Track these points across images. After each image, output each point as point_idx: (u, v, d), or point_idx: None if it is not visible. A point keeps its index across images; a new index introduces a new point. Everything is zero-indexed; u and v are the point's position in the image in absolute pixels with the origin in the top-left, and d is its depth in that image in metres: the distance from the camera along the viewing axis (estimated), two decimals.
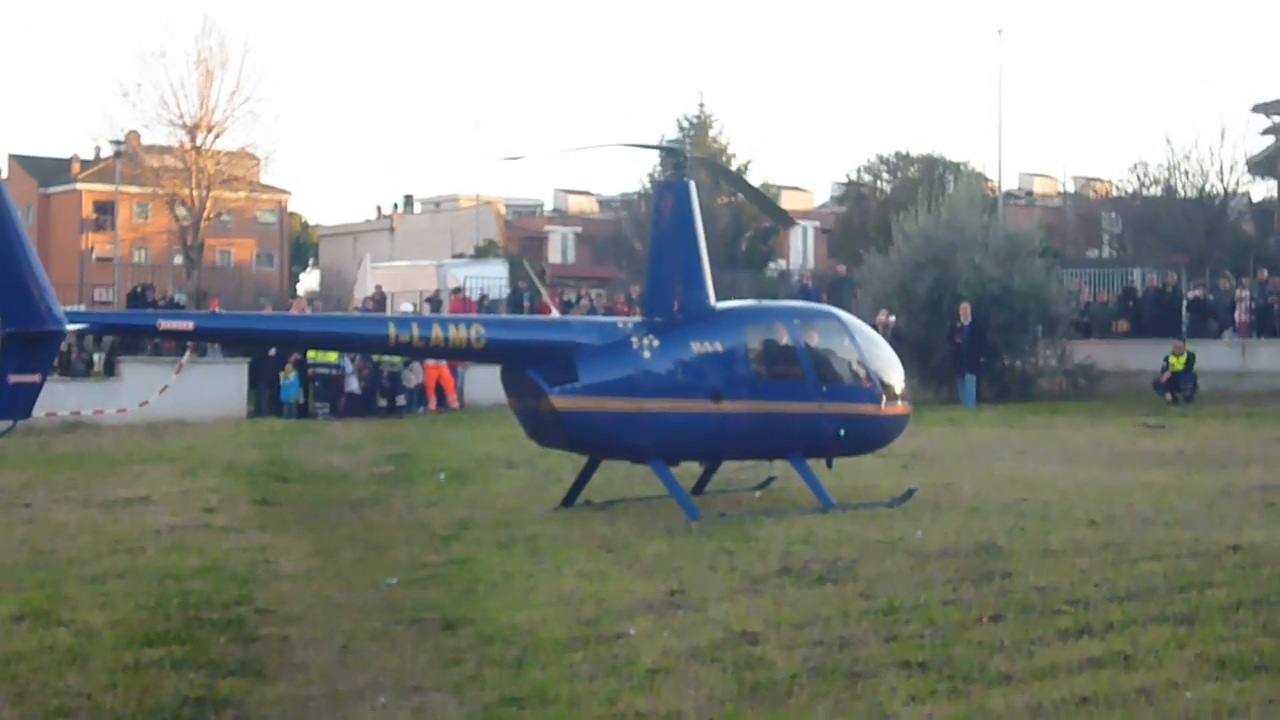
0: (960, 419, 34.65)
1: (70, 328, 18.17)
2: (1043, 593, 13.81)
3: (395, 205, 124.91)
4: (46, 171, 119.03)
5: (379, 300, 49.12)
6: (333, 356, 39.64)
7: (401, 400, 41.21)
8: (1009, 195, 77.41)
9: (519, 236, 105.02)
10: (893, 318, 40.58)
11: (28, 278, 17.13)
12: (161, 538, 18.87)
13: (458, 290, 50.64)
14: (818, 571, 15.32)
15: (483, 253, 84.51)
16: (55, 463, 27.88)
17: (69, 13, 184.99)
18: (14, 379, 17.28)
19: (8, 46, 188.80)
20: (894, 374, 21.39)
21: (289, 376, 40.63)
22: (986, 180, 70.44)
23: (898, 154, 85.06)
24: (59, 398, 32.08)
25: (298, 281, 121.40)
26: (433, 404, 41.74)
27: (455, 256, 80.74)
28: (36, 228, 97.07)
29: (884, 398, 20.95)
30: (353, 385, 41.52)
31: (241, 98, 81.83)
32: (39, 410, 17.98)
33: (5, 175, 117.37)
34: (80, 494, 23.25)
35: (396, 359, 38.81)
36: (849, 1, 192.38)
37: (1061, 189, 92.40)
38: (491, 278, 58.59)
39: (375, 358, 39.13)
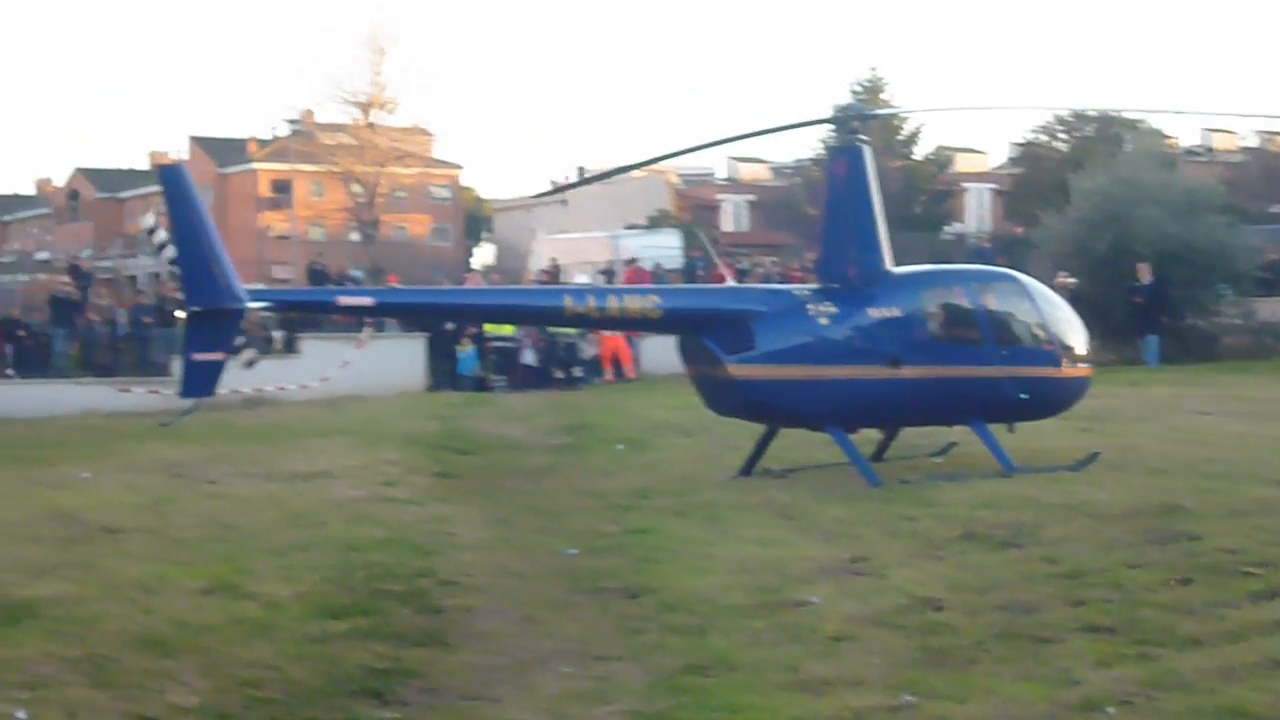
0: (1142, 379, 34.10)
1: (251, 305, 18.40)
2: (1231, 555, 13.58)
3: (567, 177, 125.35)
4: (224, 152, 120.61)
5: (553, 273, 49.25)
6: (509, 329, 39.88)
7: (578, 371, 41.37)
8: (1188, 151, 76.17)
9: (691, 205, 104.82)
10: (1071, 279, 39.98)
11: (210, 257, 17.39)
12: (343, 510, 19.05)
13: (632, 261, 50.62)
14: (1000, 536, 15.18)
15: (656, 223, 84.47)
16: (238, 438, 28.23)
17: None
18: (198, 357, 17.54)
19: (183, 31, 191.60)
20: (1074, 335, 21.10)
21: (466, 349, 40.97)
22: (1165, 136, 69.41)
23: (1074, 113, 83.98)
24: (240, 374, 32.45)
25: (472, 255, 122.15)
26: (609, 374, 41.79)
27: (628, 227, 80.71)
28: (215, 207, 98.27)
29: (1064, 360, 20.68)
30: (529, 358, 41.74)
31: (413, 74, 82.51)
32: (222, 387, 18.18)
33: (186, 157, 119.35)
34: (263, 468, 23.51)
35: (572, 330, 38.93)
36: None
37: (1243, 143, 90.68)
38: (665, 248, 58.47)
39: (550, 329, 39.28)
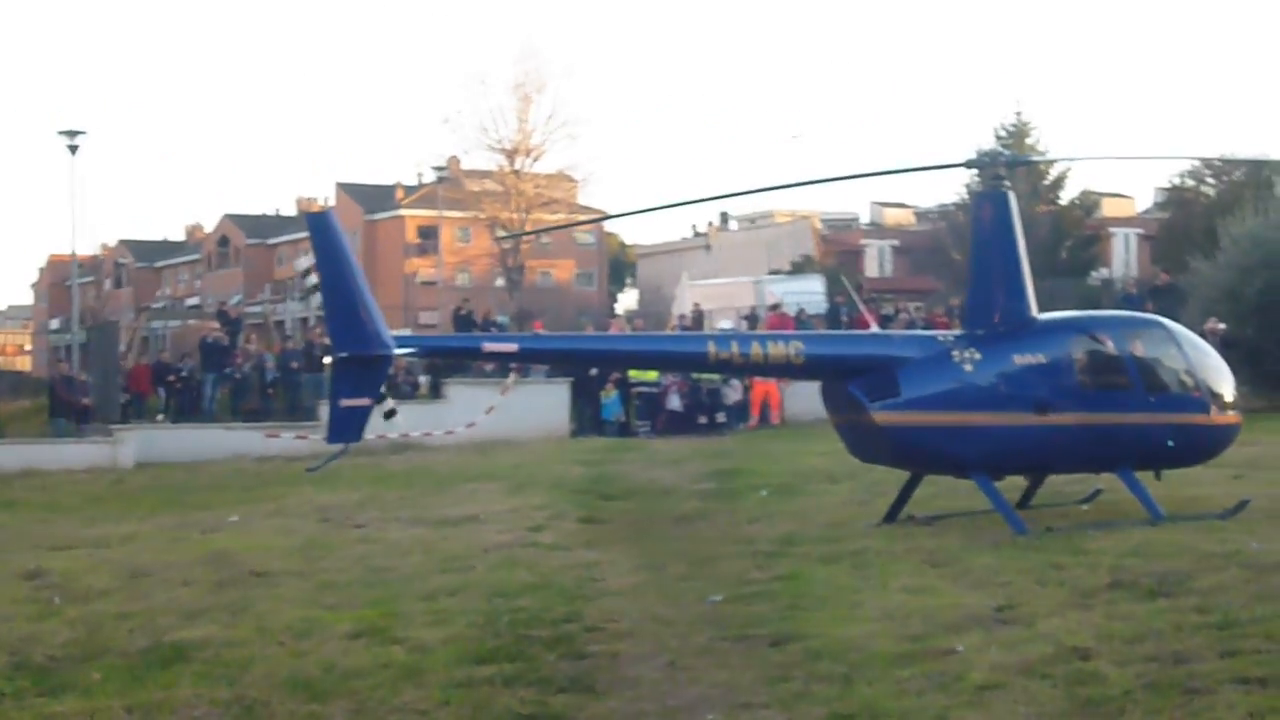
0: None
1: (399, 352, 18.58)
2: None
3: (711, 222, 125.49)
4: (371, 198, 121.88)
5: (696, 318, 49.33)
6: (653, 375, 39.98)
7: (722, 417, 41.38)
8: None
9: (835, 251, 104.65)
10: (1221, 325, 39.50)
11: (358, 304, 17.56)
12: (491, 555, 19.19)
13: (775, 306, 50.62)
14: (1150, 585, 15.02)
15: (799, 268, 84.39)
16: (386, 482, 28.53)
17: (388, 43, 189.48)
18: (345, 403, 17.72)
19: (333, 81, 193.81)
20: (1223, 382, 20.86)
21: (610, 395, 41.10)
22: None
23: (1222, 156, 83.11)
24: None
25: (616, 301, 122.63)
26: (754, 419, 41.80)
27: (772, 272, 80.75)
28: (363, 253, 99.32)
29: (1214, 407, 20.43)
30: (674, 403, 41.81)
31: (559, 121, 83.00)
32: (369, 432, 18.37)
33: (334, 203, 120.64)
34: (411, 513, 23.76)
35: (716, 375, 38.94)
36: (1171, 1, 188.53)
37: None
38: (809, 293, 58.46)
39: (695, 374, 39.32)
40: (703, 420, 41.48)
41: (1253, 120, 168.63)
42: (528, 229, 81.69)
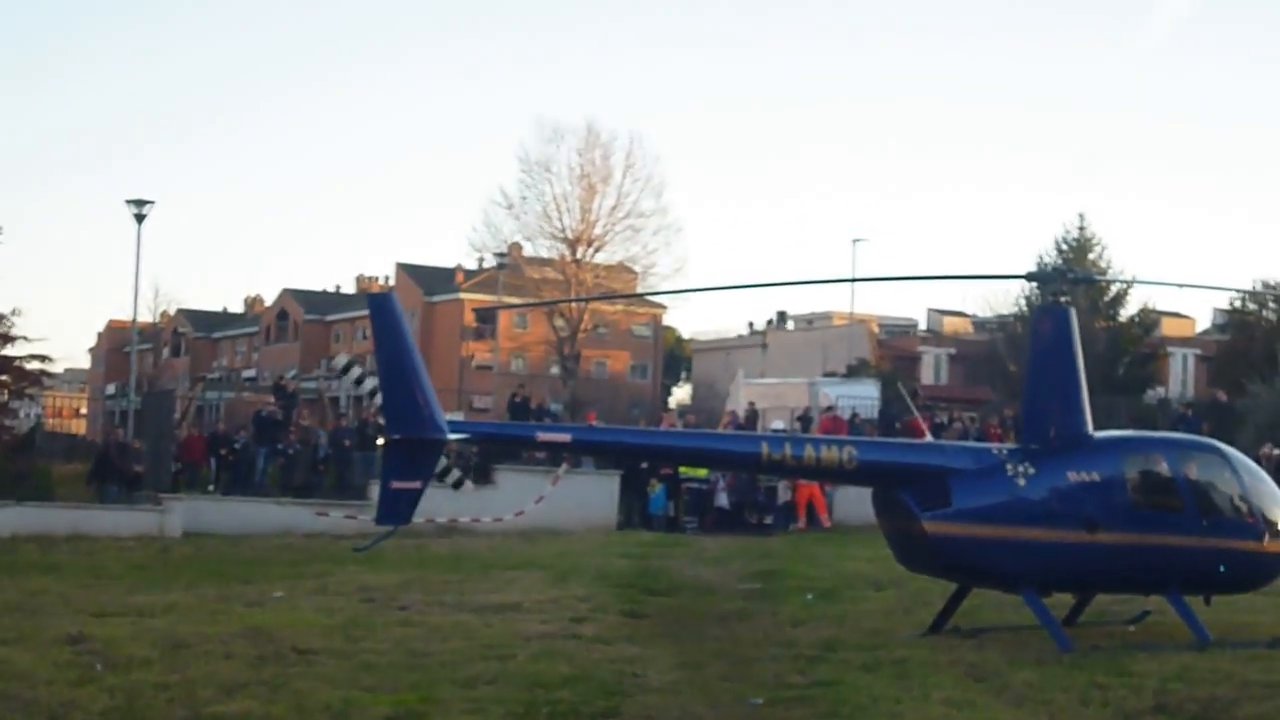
0: None
1: (452, 437, 18.62)
2: None
3: (768, 321, 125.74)
4: (432, 281, 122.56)
5: (750, 417, 49.31)
6: (703, 472, 39.96)
7: (769, 519, 41.28)
8: None
9: (891, 355, 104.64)
10: (1278, 450, 39.37)
11: (414, 386, 17.64)
12: (531, 645, 19.13)
13: (829, 409, 50.56)
14: (1194, 711, 14.93)
15: (855, 371, 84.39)
16: (432, 565, 28.54)
17: (456, 124, 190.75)
18: (396, 485, 17.76)
19: (397, 157, 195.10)
20: (1278, 509, 20.73)
21: (655, 489, 41.08)
22: None
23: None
24: (436, 504, 32.78)
25: (670, 394, 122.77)
26: (802, 522, 41.70)
27: (827, 374, 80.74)
28: (420, 334, 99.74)
29: (1267, 534, 20.29)
30: (722, 500, 41.78)
31: (622, 212, 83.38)
32: (417, 515, 18.40)
33: (393, 284, 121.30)
34: (454, 598, 23.73)
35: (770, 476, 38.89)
36: (1229, 120, 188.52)
37: None
38: (863, 397, 58.39)
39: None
40: (751, 519, 41.41)
41: None
42: (584, 318, 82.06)
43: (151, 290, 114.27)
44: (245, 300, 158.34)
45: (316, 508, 36.81)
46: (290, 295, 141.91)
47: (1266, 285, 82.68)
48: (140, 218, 53.96)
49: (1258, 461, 24.85)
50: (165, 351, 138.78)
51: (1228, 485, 20.36)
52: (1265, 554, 20.32)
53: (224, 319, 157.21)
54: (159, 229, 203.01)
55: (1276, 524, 20.46)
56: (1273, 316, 78.91)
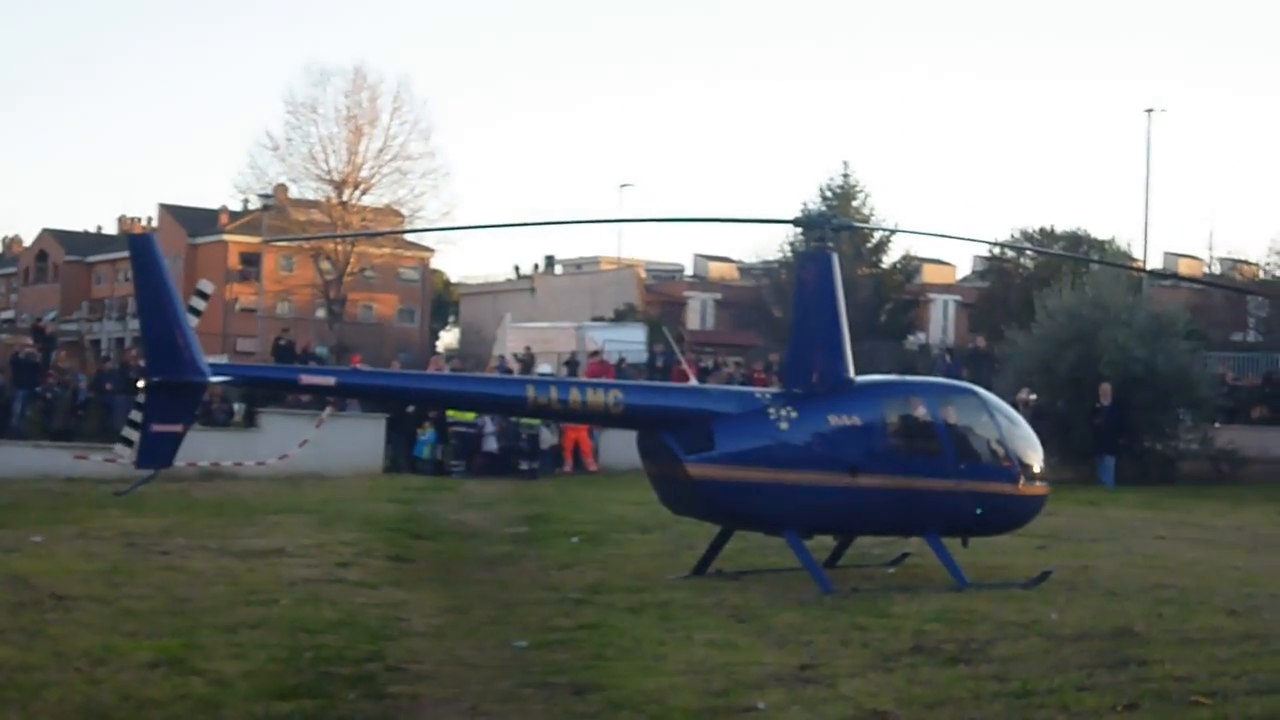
0: (1099, 500, 34.21)
1: (214, 380, 18.38)
2: (1180, 682, 13.54)
3: (536, 265, 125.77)
4: (195, 222, 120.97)
5: (527, 361, 49.23)
6: (470, 415, 39.90)
7: (535, 464, 41.34)
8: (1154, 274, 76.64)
9: (659, 301, 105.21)
10: (1034, 396, 40.15)
11: (174, 328, 17.38)
12: (296, 590, 18.99)
13: (596, 353, 50.74)
14: (951, 651, 15.17)
15: (622, 316, 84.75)
16: (194, 510, 28.18)
17: (224, 64, 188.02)
18: (157, 428, 17.52)
19: (160, 96, 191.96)
20: (1033, 453, 21.12)
21: (425, 433, 40.97)
22: (1132, 259, 69.80)
23: (1042, 230, 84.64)
24: (199, 447, 32.37)
25: (438, 338, 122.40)
26: (568, 465, 41.87)
27: (595, 319, 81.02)
28: (184, 277, 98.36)
29: (1022, 477, 20.65)
30: (491, 445, 41.75)
31: (389, 155, 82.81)
32: (179, 459, 18.15)
33: (156, 225, 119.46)
34: (217, 543, 23.46)
35: (536, 420, 38.91)
36: (997, 75, 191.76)
37: (1207, 270, 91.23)
38: (631, 342, 58.68)
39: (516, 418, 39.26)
40: (523, 465, 41.44)
41: (1072, 196, 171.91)
42: (351, 261, 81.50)
43: None
44: (3, 240, 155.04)
45: (76, 451, 36.18)
46: (50, 235, 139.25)
47: (1026, 235, 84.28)
48: None
49: (1015, 407, 25.30)
50: None
51: (985, 429, 20.69)
52: (1020, 496, 20.69)
53: None
54: None
55: (1031, 467, 20.86)
56: (1030, 265, 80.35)
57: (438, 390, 23.23)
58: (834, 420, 19.81)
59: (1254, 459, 42.10)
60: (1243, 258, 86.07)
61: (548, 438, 41.79)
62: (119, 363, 45.32)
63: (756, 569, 21.36)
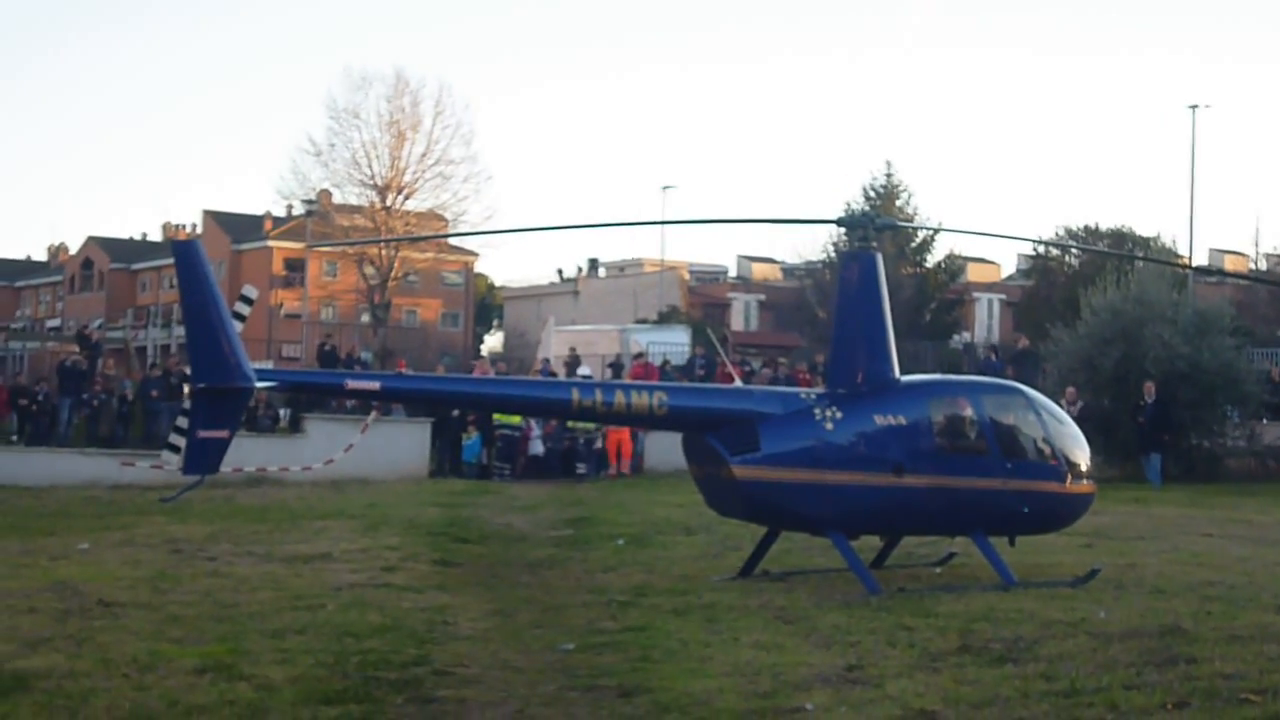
0: (1145, 498, 34.08)
1: (260, 385, 18.42)
2: (1229, 680, 13.47)
3: (579, 268, 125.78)
4: (240, 228, 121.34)
5: (572, 363, 49.22)
6: (516, 419, 39.94)
7: (582, 467, 41.36)
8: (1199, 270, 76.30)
9: (702, 303, 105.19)
10: (1079, 402, 39.86)
11: (220, 334, 17.42)
12: (341, 594, 19.02)
13: (640, 355, 50.73)
14: (998, 650, 15.11)
15: (666, 318, 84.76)
16: (239, 516, 28.28)
17: (265, 70, 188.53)
18: (203, 434, 17.56)
19: (206, 103, 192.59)
20: (1080, 451, 21.02)
21: (470, 437, 41.06)
22: (1177, 255, 69.51)
23: (1086, 227, 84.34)
24: (245, 453, 32.48)
25: (481, 342, 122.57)
26: (613, 468, 41.85)
27: (638, 321, 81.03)
28: (228, 283, 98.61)
29: (1069, 476, 20.57)
30: (536, 448, 41.85)
31: (432, 159, 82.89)
32: (225, 465, 18.18)
33: (200, 231, 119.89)
34: (263, 548, 23.53)
35: (590, 425, 38.93)
36: (1043, 73, 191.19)
37: (1253, 266, 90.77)
38: (674, 344, 58.66)
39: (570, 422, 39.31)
40: (576, 468, 41.50)
41: (1117, 194, 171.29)
42: (395, 266, 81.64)
43: None
44: (49, 249, 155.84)
45: (122, 458, 36.33)
46: (95, 243, 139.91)
47: (1070, 233, 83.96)
48: None
49: (1059, 403, 25.19)
50: None
51: (1030, 427, 20.60)
52: (1067, 495, 20.62)
53: (27, 268, 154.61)
54: None
55: (1078, 465, 20.77)
56: (1075, 263, 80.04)
57: (482, 394, 23.24)
58: (879, 420, 19.74)
59: None
60: None
61: (599, 440, 41.87)
62: (164, 369, 45.47)
63: (802, 570, 21.33)
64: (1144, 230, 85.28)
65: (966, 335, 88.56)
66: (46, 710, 12.69)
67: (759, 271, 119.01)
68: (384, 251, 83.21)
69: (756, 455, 19.20)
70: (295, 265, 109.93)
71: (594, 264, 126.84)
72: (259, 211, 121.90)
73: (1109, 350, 41.83)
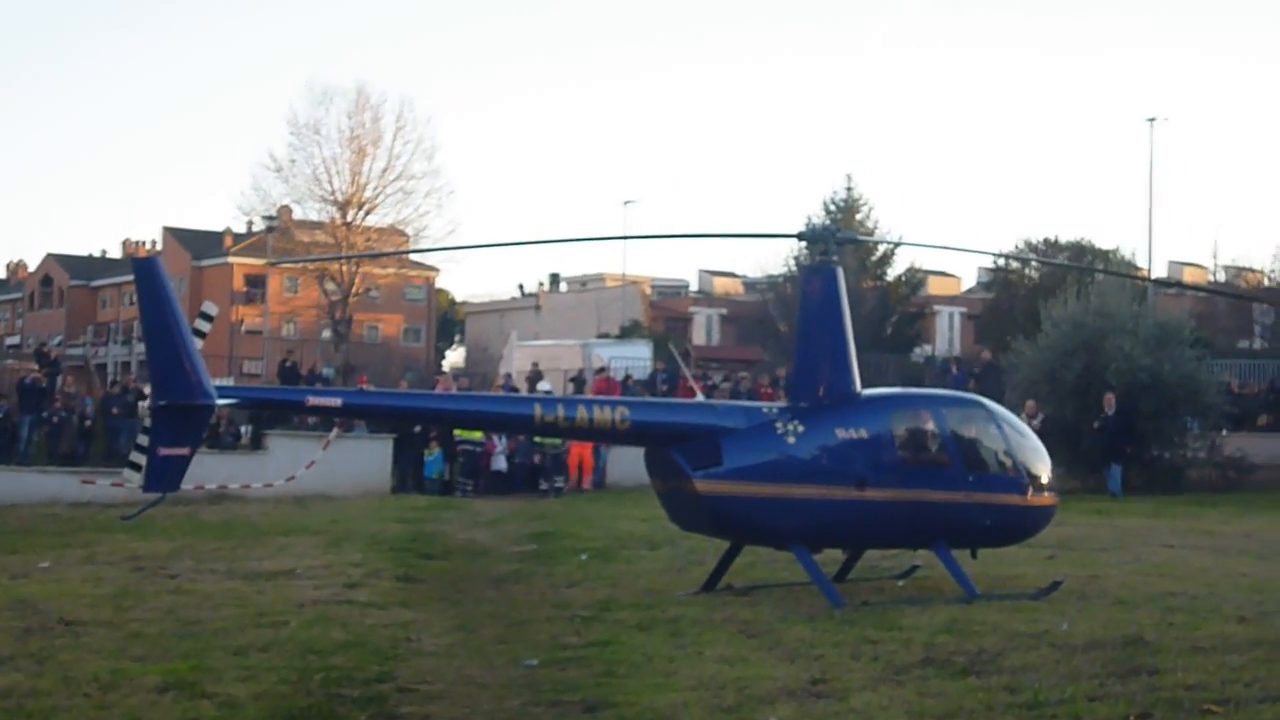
0: (1107, 509, 34.17)
1: (221, 402, 18.36)
2: (1191, 691, 13.51)
3: (541, 283, 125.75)
4: (200, 244, 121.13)
5: (534, 377, 49.10)
6: (478, 434, 39.90)
7: (554, 483, 41.31)
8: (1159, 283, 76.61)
9: (664, 317, 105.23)
10: (1040, 416, 39.90)
11: (181, 351, 17.35)
12: (305, 611, 18.97)
13: (602, 370, 50.72)
14: (961, 663, 15.13)
15: (628, 333, 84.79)
16: (202, 533, 28.21)
17: (225, 86, 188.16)
18: (164, 452, 17.49)
19: (164, 120, 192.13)
20: (1041, 464, 21.06)
21: (433, 452, 41.00)
22: (1136, 268, 69.81)
23: (1046, 240, 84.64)
24: (207, 470, 32.41)
25: (444, 357, 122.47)
26: (573, 482, 41.84)
27: (600, 336, 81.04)
28: (189, 300, 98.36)
29: (1030, 488, 20.62)
30: (500, 464, 41.81)
31: (393, 174, 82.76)
32: (187, 481, 18.12)
33: (160, 248, 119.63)
34: (225, 565, 23.47)
35: (558, 440, 38.87)
36: (1000, 86, 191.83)
37: (1212, 278, 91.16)
38: (636, 358, 58.68)
39: (537, 439, 39.29)
40: (544, 485, 41.45)
41: (1077, 207, 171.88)
42: (356, 281, 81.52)
43: None
44: (8, 265, 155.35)
45: (83, 476, 36.20)
46: (55, 260, 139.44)
47: (1030, 246, 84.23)
48: None
49: (1021, 416, 25.24)
50: None
51: (992, 440, 20.65)
52: (1029, 507, 20.66)
53: None
54: None
55: (1039, 477, 20.80)
56: (1035, 276, 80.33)
57: (444, 409, 23.23)
58: (841, 434, 19.75)
59: (1261, 466, 42.10)
60: (1247, 265, 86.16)
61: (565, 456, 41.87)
62: (123, 387, 45.31)
63: (766, 584, 21.33)
64: (1104, 243, 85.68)
65: (928, 348, 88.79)
66: None
67: (721, 286, 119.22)
68: (345, 267, 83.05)
69: (719, 469, 19.19)
70: (256, 281, 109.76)
71: (555, 279, 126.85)
72: (219, 228, 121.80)
73: (1070, 362, 41.98)
